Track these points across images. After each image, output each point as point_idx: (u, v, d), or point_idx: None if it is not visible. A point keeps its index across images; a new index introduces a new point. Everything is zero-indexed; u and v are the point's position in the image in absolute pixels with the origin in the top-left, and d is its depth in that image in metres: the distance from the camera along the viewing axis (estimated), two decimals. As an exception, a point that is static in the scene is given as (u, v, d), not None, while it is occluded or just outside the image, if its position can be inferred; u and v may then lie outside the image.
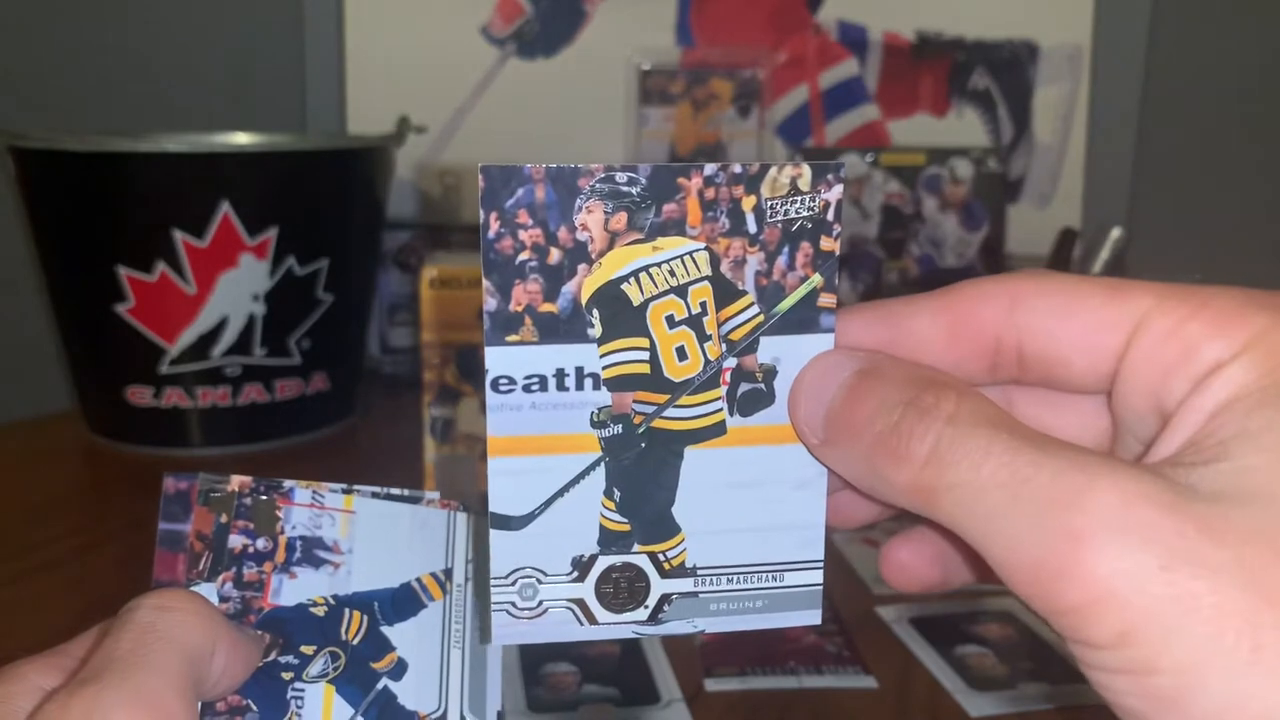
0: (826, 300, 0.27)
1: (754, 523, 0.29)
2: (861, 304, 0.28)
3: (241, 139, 1.03)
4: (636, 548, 0.28)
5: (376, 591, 0.31)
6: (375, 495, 0.32)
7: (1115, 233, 1.12)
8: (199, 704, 0.26)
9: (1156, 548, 0.20)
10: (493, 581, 0.28)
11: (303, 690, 0.29)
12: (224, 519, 0.31)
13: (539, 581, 0.28)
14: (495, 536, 0.28)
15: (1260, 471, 0.21)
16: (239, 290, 0.89)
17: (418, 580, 0.31)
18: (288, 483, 0.31)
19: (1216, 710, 0.20)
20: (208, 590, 0.30)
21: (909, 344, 0.27)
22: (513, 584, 0.28)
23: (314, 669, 0.29)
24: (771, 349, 0.28)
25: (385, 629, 0.30)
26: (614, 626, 0.29)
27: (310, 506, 0.31)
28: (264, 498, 0.31)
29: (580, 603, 0.29)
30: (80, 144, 0.87)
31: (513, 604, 0.28)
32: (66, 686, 0.24)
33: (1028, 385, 0.27)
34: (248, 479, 0.31)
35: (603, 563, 0.28)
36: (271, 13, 1.22)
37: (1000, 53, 1.20)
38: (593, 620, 0.29)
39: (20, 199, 0.93)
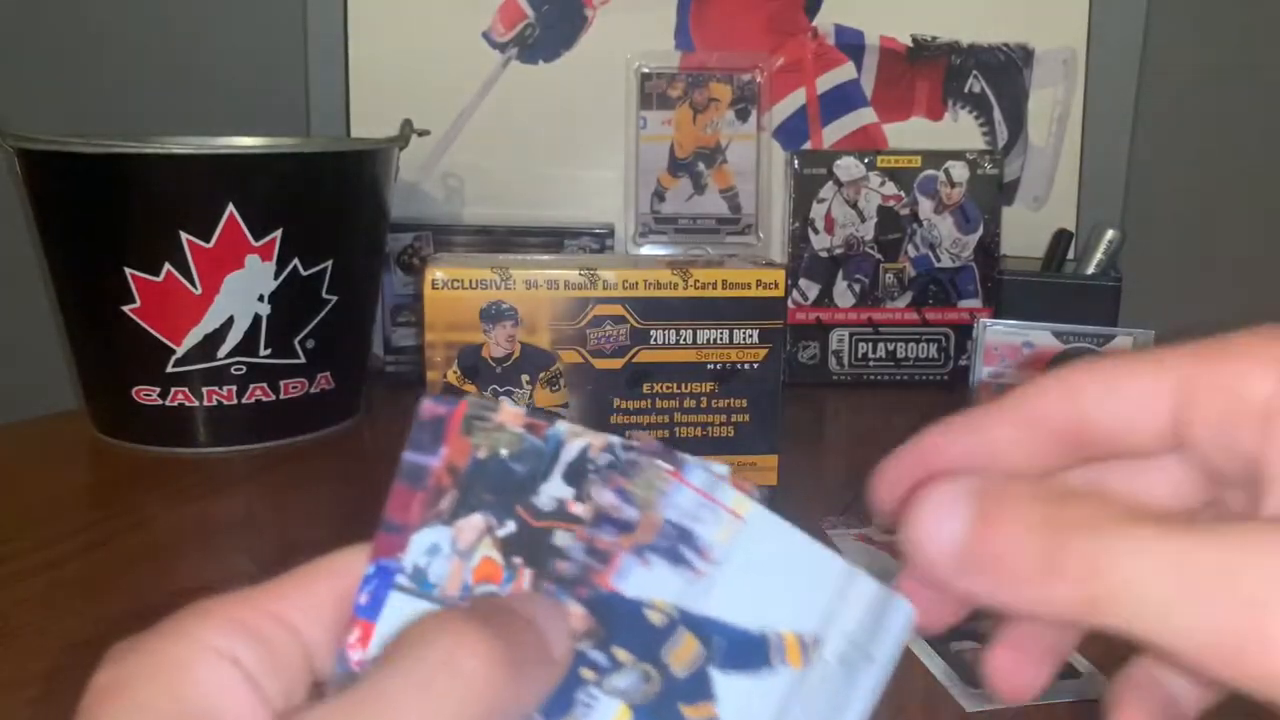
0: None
1: None
2: (940, 423, 0.29)
3: (247, 142, 1.04)
4: None
5: (727, 625, 0.26)
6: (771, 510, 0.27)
7: (1109, 234, 1.13)
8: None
9: None
10: None
11: (595, 699, 0.25)
12: (483, 454, 0.26)
13: None
14: None
15: None
16: (245, 291, 0.90)
17: (778, 634, 0.27)
18: (681, 455, 0.27)
19: None
20: (441, 534, 0.25)
21: (998, 450, 0.28)
22: None
23: (620, 681, 0.25)
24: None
25: (716, 673, 0.26)
26: None
27: (701, 494, 0.27)
28: (658, 462, 0.27)
29: None
30: (87, 146, 0.87)
31: None
32: (345, 697, 0.23)
33: (1103, 462, 0.28)
34: (520, 412, 0.26)
35: None
36: (276, 17, 1.22)
37: (995, 56, 1.21)
38: None
39: (28, 200, 0.94)
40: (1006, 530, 0.25)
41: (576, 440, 0.26)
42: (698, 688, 0.26)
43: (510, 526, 0.26)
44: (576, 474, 0.26)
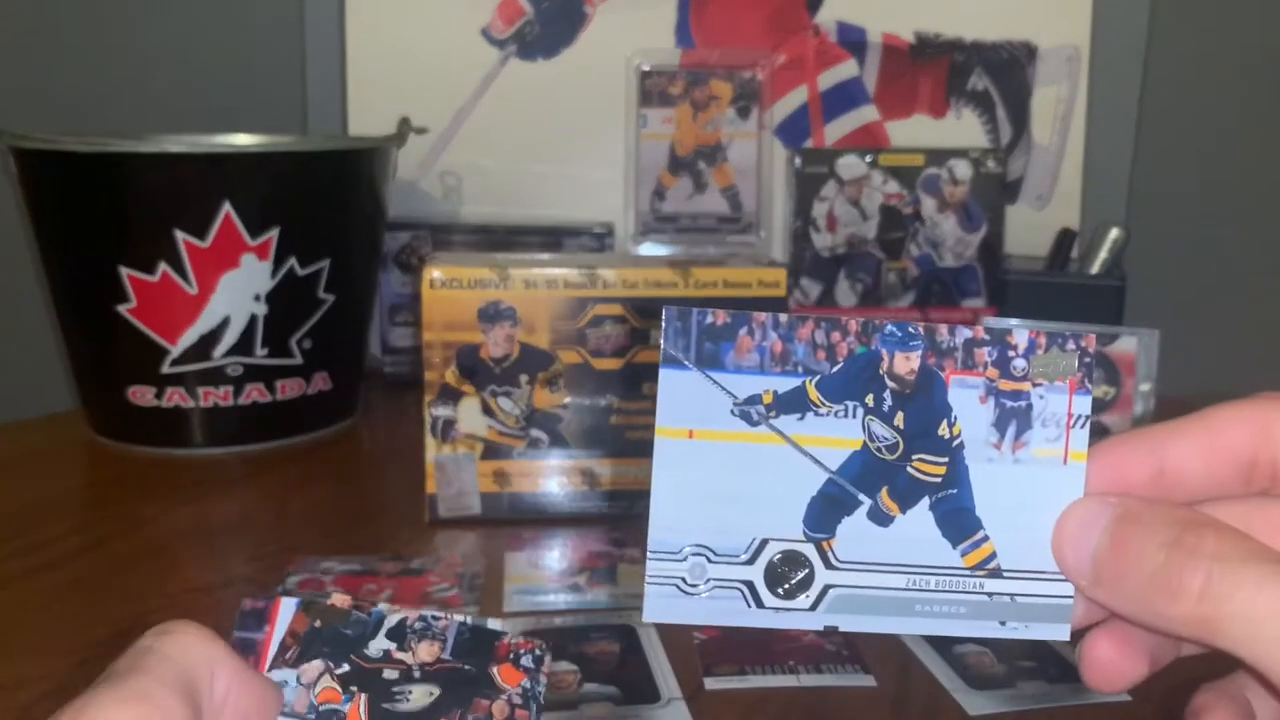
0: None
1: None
2: (1126, 434, 0.31)
3: (243, 140, 1.03)
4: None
5: None
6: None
7: (1113, 233, 1.13)
8: (199, 713, 0.27)
9: None
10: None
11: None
12: (318, 624, 0.32)
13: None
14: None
15: None
16: (241, 290, 0.90)
17: None
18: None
19: None
20: (288, 674, 0.31)
21: (1174, 470, 0.30)
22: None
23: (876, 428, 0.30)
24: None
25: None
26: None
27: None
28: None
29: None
30: (82, 145, 0.87)
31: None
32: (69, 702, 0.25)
33: (1277, 497, 0.30)
34: (348, 599, 0.33)
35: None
36: (273, 14, 1.22)
37: (998, 54, 1.21)
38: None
39: (22, 200, 0.94)
40: (1138, 548, 0.28)
41: (395, 614, 0.32)
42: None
43: (345, 667, 0.31)
44: (397, 634, 0.32)
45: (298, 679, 0.31)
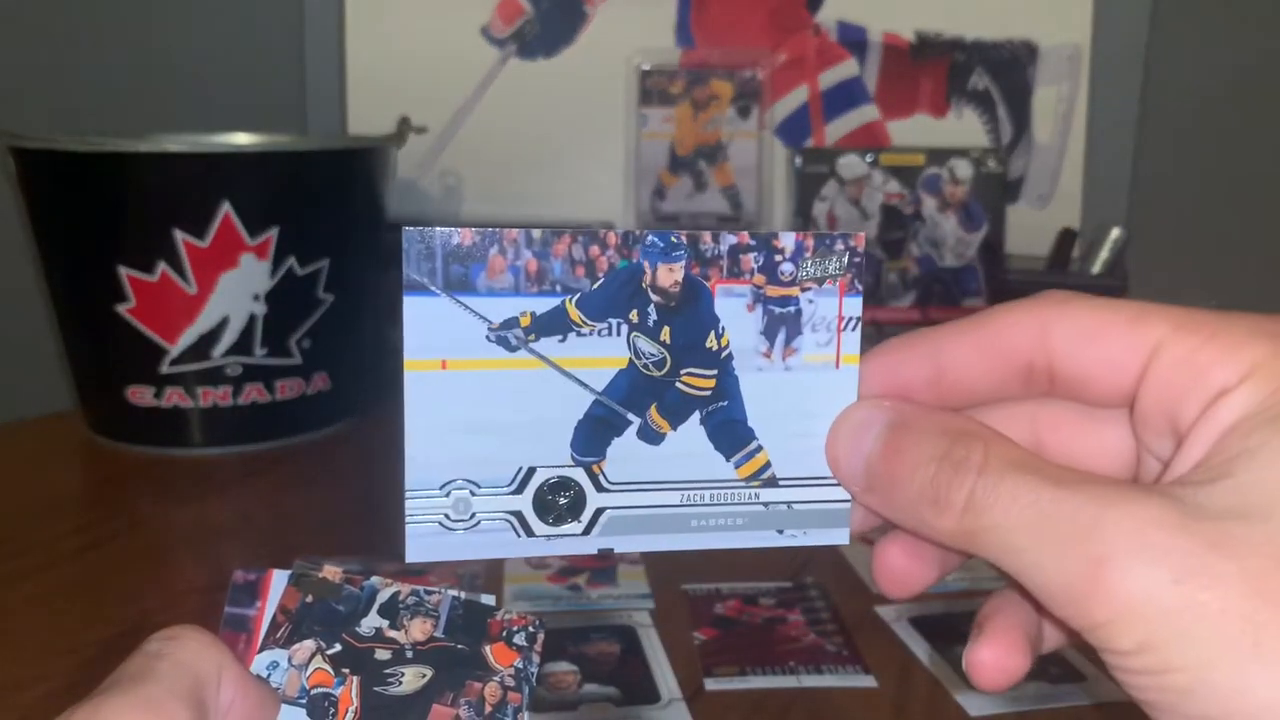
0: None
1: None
2: (903, 337, 0.30)
3: (242, 139, 1.03)
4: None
5: None
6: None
7: (1114, 233, 1.12)
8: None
9: (1168, 565, 0.23)
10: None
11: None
12: (310, 599, 0.32)
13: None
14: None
15: (1260, 487, 0.24)
16: (240, 290, 0.90)
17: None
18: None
19: (1224, 697, 0.23)
20: (278, 655, 0.31)
21: (952, 373, 0.30)
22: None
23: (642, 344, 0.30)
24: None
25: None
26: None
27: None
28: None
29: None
30: (81, 144, 0.87)
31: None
32: (77, 703, 0.25)
33: (1058, 399, 0.30)
34: (339, 570, 0.32)
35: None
36: (272, 13, 1.22)
37: (999, 53, 1.21)
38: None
39: (21, 199, 0.94)
40: (907, 459, 0.28)
41: (388, 589, 0.32)
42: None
43: (337, 647, 0.31)
44: (389, 610, 0.31)
45: (289, 660, 0.31)
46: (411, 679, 0.31)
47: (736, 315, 0.30)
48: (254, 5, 1.23)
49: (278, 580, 0.32)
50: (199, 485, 0.87)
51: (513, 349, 0.29)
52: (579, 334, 0.29)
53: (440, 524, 0.29)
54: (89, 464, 0.94)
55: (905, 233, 1.15)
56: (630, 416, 0.30)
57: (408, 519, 0.29)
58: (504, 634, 0.32)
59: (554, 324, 0.29)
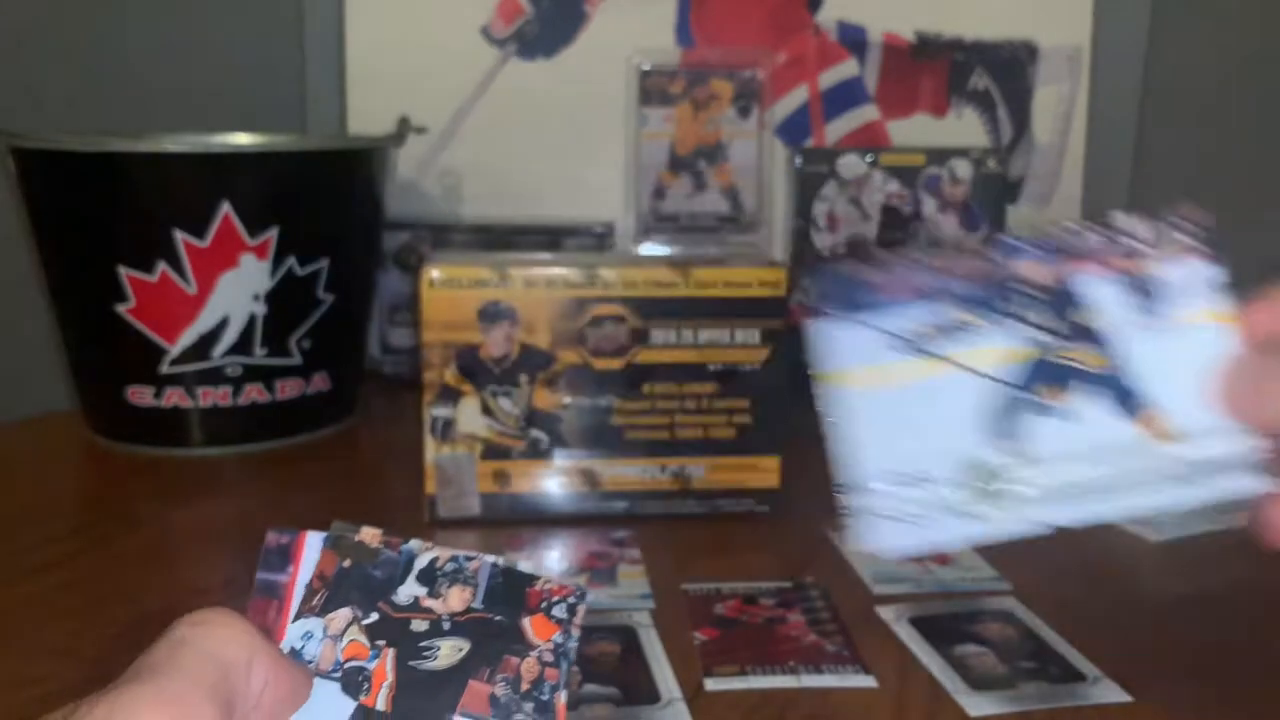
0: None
1: None
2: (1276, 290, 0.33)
3: (242, 139, 1.03)
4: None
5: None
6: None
7: (1114, 233, 1.13)
8: (232, 713, 0.27)
9: None
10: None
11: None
12: (347, 564, 0.32)
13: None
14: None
15: None
16: (240, 290, 0.90)
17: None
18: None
19: None
20: (314, 624, 0.31)
21: None
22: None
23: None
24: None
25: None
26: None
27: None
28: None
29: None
30: (81, 144, 0.87)
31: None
32: (97, 693, 0.25)
33: None
34: (378, 533, 0.32)
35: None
36: (272, 13, 1.22)
37: (999, 53, 1.21)
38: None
39: (21, 199, 0.94)
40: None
41: (426, 553, 0.32)
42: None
43: (374, 616, 0.31)
44: (427, 578, 0.31)
45: (324, 630, 0.30)
46: (448, 652, 0.30)
47: (1111, 294, 0.34)
48: (254, 5, 1.23)
49: (311, 543, 0.32)
50: (199, 485, 0.87)
51: (921, 352, 0.32)
52: (972, 331, 0.32)
53: (889, 517, 0.31)
54: (88, 464, 0.94)
55: (905, 233, 1.15)
56: (1035, 398, 0.32)
57: (866, 512, 0.31)
58: (543, 605, 0.31)
59: (948, 326, 0.32)
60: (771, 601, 0.65)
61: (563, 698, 0.31)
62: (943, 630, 0.62)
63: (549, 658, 0.31)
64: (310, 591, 0.31)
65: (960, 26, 1.20)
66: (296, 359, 0.94)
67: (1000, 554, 0.73)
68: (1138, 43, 1.19)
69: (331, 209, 0.95)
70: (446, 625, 0.31)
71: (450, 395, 0.76)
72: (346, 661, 0.30)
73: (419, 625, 0.31)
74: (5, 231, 1.14)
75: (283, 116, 1.22)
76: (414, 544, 0.32)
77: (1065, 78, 1.21)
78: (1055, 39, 1.20)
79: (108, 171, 0.88)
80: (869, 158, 1.15)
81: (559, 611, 0.31)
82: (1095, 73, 1.20)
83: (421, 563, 0.31)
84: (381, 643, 0.30)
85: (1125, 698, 0.55)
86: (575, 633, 0.32)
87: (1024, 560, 0.73)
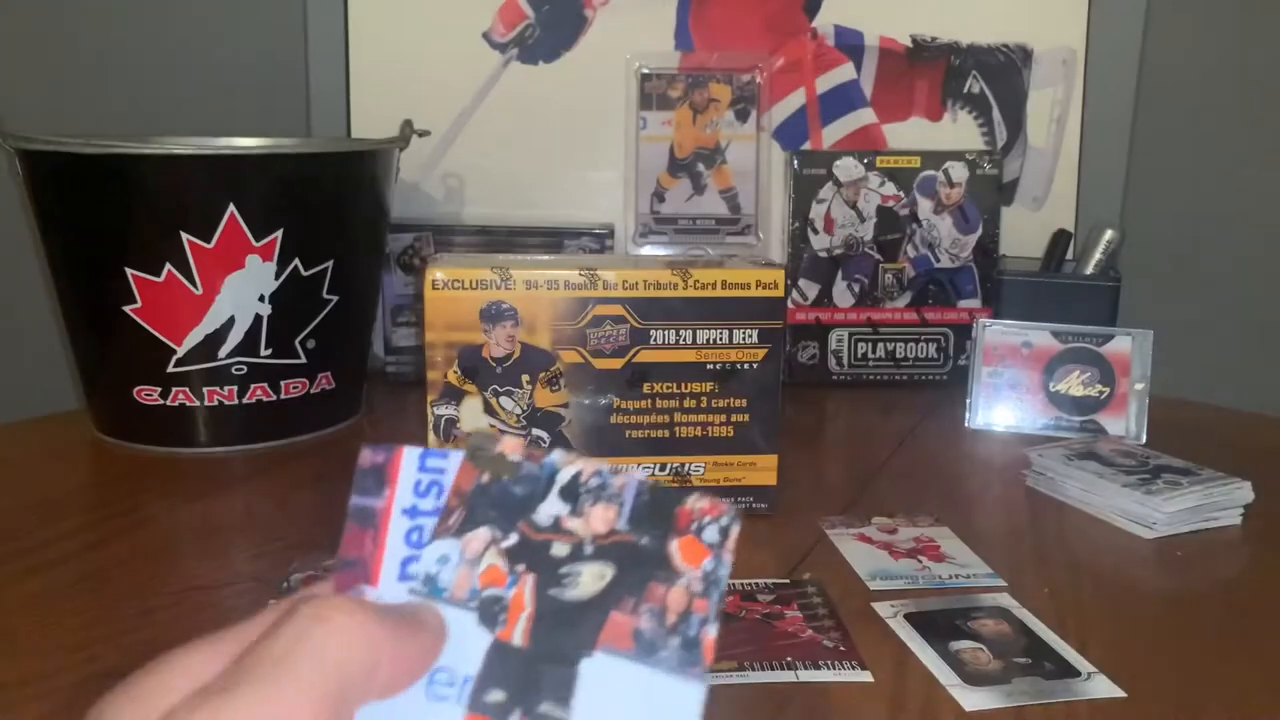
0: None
1: None
2: None
3: (248, 142, 1.04)
4: None
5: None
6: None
7: (1108, 234, 1.13)
8: (349, 716, 0.25)
9: None
10: None
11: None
12: (486, 479, 0.29)
13: None
14: None
15: None
16: (245, 291, 0.90)
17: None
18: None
19: None
20: (450, 546, 0.28)
21: None
22: None
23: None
24: None
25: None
26: None
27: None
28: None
29: None
30: (89, 147, 0.88)
31: None
32: (203, 691, 0.24)
33: None
34: (519, 443, 0.30)
35: None
36: (277, 18, 1.23)
37: (994, 57, 1.22)
38: None
39: (30, 201, 0.94)
40: None
41: (569, 467, 0.29)
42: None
43: (513, 538, 0.28)
44: (570, 494, 0.29)
45: (460, 553, 0.28)
46: (589, 580, 0.28)
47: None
48: (259, 10, 1.24)
49: (408, 461, 0.29)
50: (205, 484, 0.87)
51: None
52: None
53: None
54: (96, 463, 0.94)
55: (901, 234, 1.16)
56: None
57: None
58: (694, 527, 0.29)
59: None
60: (769, 598, 0.66)
61: (712, 633, 0.28)
62: (938, 626, 0.63)
63: (698, 587, 0.28)
64: (447, 510, 0.28)
65: (955, 30, 1.21)
66: (301, 359, 0.94)
67: (995, 551, 0.74)
68: (1132, 46, 1.20)
69: (336, 211, 0.96)
70: (589, 549, 0.28)
71: (453, 395, 0.76)
72: (484, 589, 0.28)
73: (560, 549, 0.28)
74: (14, 233, 1.15)
75: (288, 120, 1.23)
76: (557, 456, 0.29)
77: (1059, 81, 1.22)
78: (1049, 42, 1.21)
79: (115, 174, 0.88)
80: (865, 160, 1.16)
81: (710, 535, 0.28)
82: (1089, 76, 1.21)
83: (564, 478, 0.29)
84: (520, 568, 0.28)
85: (1119, 693, 0.56)
86: (727, 559, 0.28)
87: (1019, 557, 0.74)
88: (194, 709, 0.23)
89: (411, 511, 0.30)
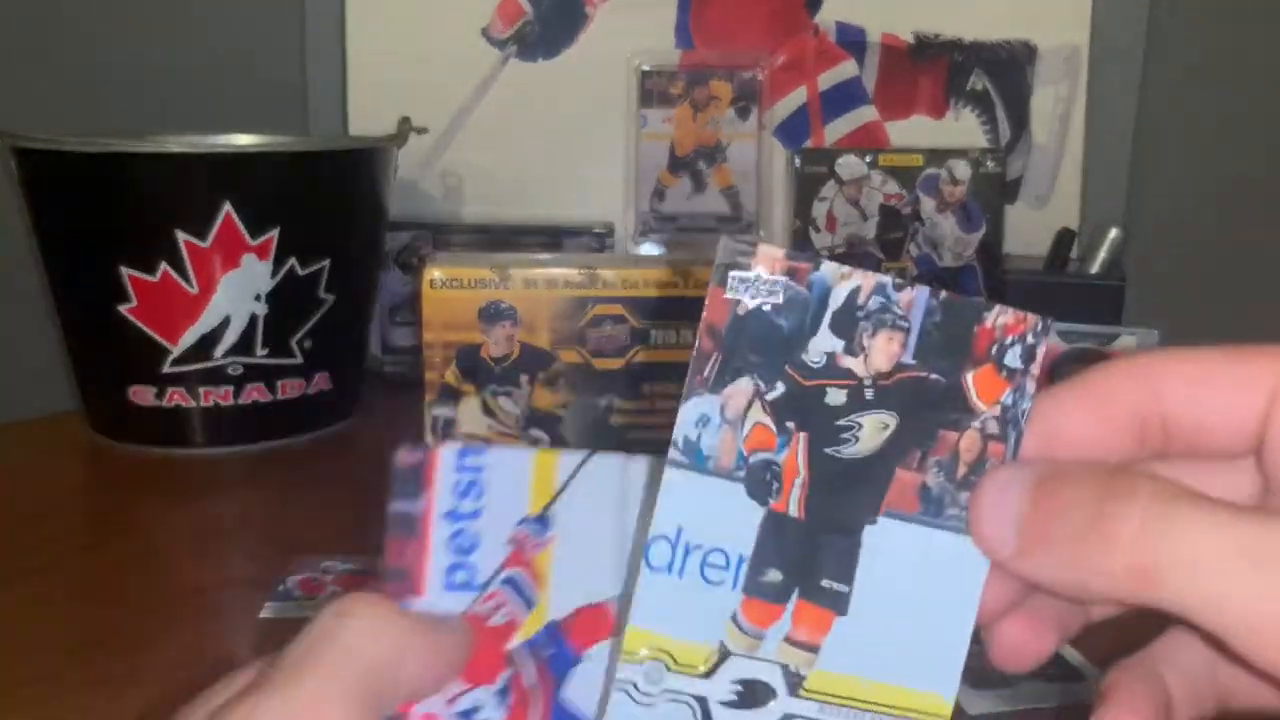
0: None
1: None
2: None
3: (244, 139, 1.03)
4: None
5: None
6: None
7: (1112, 233, 1.13)
8: (380, 713, 0.25)
9: None
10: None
11: None
12: (743, 310, 0.24)
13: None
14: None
15: None
16: (241, 290, 0.90)
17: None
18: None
19: None
20: (709, 404, 0.24)
21: (1062, 439, 0.27)
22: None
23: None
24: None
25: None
26: None
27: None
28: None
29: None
30: (83, 144, 0.87)
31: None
32: (238, 693, 0.24)
33: (1174, 457, 0.27)
34: (779, 254, 0.24)
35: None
36: (273, 14, 1.22)
37: (998, 54, 1.21)
38: None
39: (23, 199, 0.94)
40: (1064, 502, 0.24)
41: (844, 284, 0.24)
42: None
43: (779, 388, 0.24)
44: (845, 323, 0.24)
45: (721, 412, 0.24)
46: (870, 433, 0.24)
47: None
48: (255, 5, 1.23)
49: (445, 459, 0.26)
50: (200, 485, 0.87)
51: None
52: None
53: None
54: (90, 464, 0.94)
55: (904, 233, 1.15)
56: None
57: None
58: (994, 351, 0.25)
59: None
60: (771, 600, 0.65)
61: None
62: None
63: (994, 428, 0.25)
64: (700, 357, 0.24)
65: (958, 27, 1.21)
66: (298, 359, 0.94)
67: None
68: (1136, 43, 1.19)
69: (333, 209, 0.95)
70: (870, 393, 0.24)
71: (451, 395, 0.76)
72: (751, 454, 0.24)
73: (836, 397, 0.24)
74: (7, 232, 1.15)
75: (284, 117, 1.22)
76: (826, 270, 0.24)
77: (1064, 78, 1.21)
78: (1053, 39, 1.20)
79: (110, 172, 0.88)
80: (868, 158, 1.15)
81: (1012, 359, 0.25)
82: (1094, 73, 1.20)
83: (838, 299, 0.24)
84: (791, 425, 0.24)
85: (1123, 696, 0.56)
86: (1031, 389, 0.25)
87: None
88: (229, 708, 0.23)
89: (453, 515, 0.27)
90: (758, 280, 0.24)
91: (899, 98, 1.22)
